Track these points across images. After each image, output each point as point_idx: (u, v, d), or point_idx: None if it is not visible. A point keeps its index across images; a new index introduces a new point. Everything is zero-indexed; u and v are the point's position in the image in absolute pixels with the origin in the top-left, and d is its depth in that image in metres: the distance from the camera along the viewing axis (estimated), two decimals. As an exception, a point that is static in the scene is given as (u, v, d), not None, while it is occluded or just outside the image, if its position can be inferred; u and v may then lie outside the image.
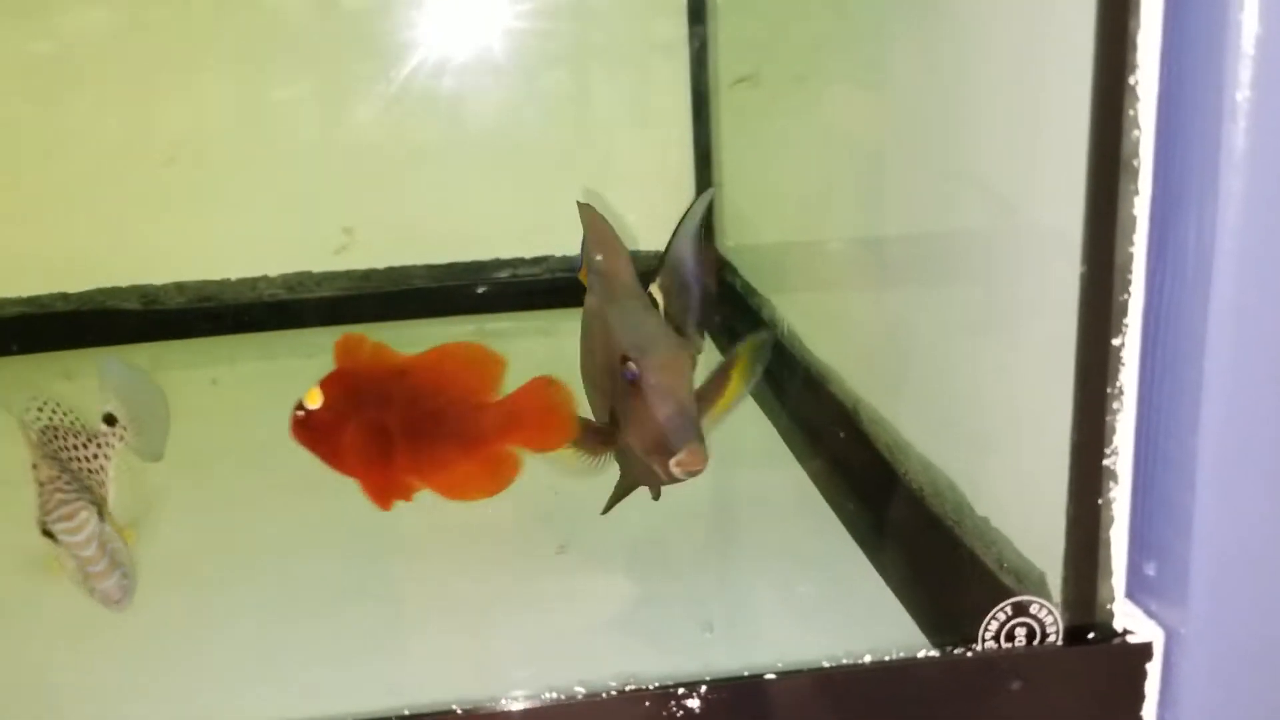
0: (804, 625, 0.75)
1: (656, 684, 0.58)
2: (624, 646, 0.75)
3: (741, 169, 1.41)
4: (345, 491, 0.79)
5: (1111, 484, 0.60)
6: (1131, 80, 0.55)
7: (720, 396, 0.85)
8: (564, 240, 1.50)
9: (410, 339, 1.42)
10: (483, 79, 1.43)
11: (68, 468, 0.71)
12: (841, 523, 0.89)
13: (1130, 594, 0.64)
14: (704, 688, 0.58)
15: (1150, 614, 0.62)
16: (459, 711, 0.57)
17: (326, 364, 0.80)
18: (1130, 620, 0.62)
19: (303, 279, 1.48)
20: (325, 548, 0.90)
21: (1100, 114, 0.56)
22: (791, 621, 0.76)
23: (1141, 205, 0.56)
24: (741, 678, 0.58)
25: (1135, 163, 0.56)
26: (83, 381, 1.32)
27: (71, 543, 0.66)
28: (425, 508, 0.94)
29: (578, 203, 0.91)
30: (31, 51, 1.37)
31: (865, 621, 0.76)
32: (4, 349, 1.41)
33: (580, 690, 0.58)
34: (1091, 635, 0.61)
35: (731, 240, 1.47)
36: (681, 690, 0.58)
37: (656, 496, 0.88)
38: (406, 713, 0.57)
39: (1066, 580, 0.62)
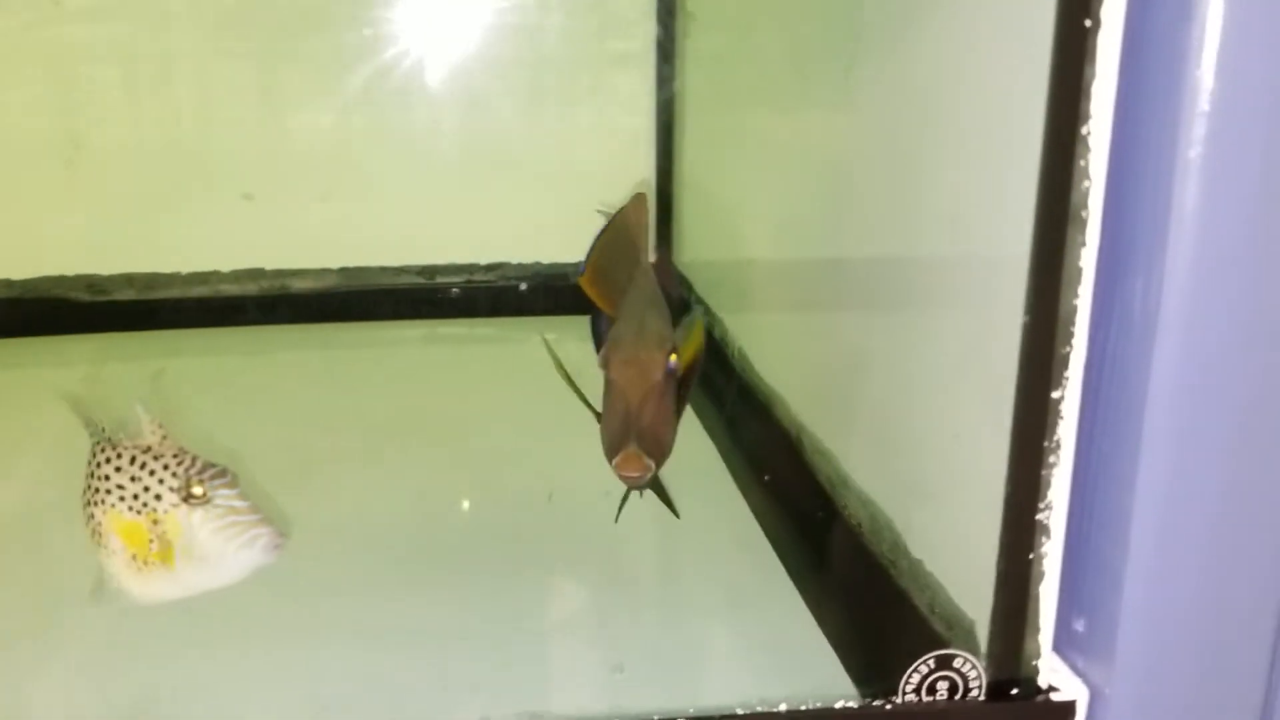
0: (727, 667, 0.74)
1: (567, 723, 0.56)
2: (530, 682, 0.72)
3: (701, 183, 1.40)
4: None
5: (1044, 539, 0.59)
6: (1084, 130, 0.53)
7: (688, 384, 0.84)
8: (519, 248, 1.48)
9: (360, 340, 1.43)
10: (445, 83, 1.41)
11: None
12: (778, 557, 0.88)
13: (1058, 649, 0.63)
14: (614, 728, 0.56)
15: (1077, 671, 0.61)
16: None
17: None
18: (1055, 677, 0.61)
19: (254, 274, 1.46)
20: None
21: (1050, 162, 0.55)
22: (714, 663, 0.74)
23: (1088, 257, 0.55)
24: (650, 721, 0.56)
25: (1084, 214, 0.55)
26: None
27: (229, 496, 0.69)
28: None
29: (634, 194, 0.93)
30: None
31: (792, 665, 0.74)
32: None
33: (487, 726, 0.56)
34: (1015, 691, 0.60)
35: (688, 255, 1.45)
36: (593, 730, 0.56)
37: (616, 518, 0.87)
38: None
39: (993, 635, 0.61)
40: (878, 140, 0.83)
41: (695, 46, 1.40)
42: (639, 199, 0.93)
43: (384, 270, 1.47)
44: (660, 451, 0.77)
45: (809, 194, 0.98)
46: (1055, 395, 0.57)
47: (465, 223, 1.47)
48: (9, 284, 1.41)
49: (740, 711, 0.58)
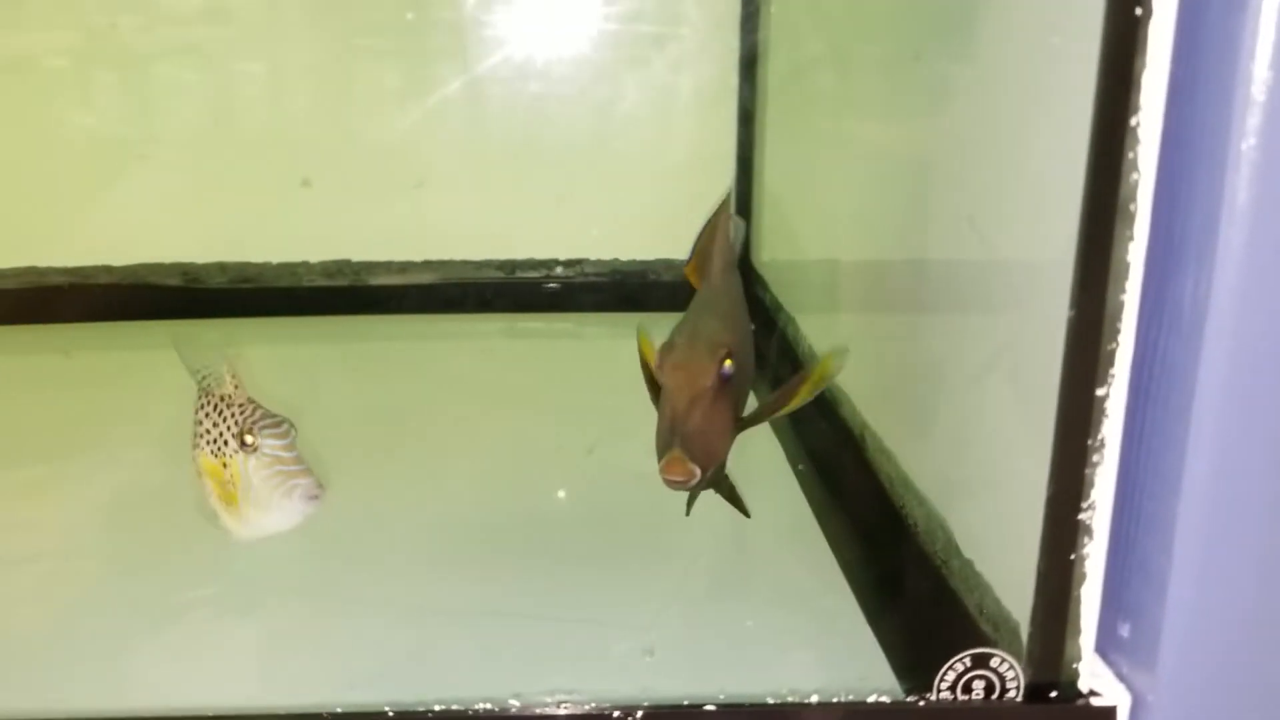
0: (769, 660, 0.73)
1: (593, 704, 0.57)
2: (566, 661, 0.72)
3: (780, 183, 1.39)
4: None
5: (1086, 539, 0.57)
6: (1134, 122, 0.52)
7: (783, 405, 0.84)
8: (598, 246, 1.49)
9: (439, 332, 1.45)
10: (531, 81, 1.42)
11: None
12: (832, 553, 0.87)
13: (1103, 654, 0.61)
14: (640, 713, 0.56)
15: (1121, 676, 0.60)
16: (390, 714, 0.56)
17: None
18: (1097, 681, 0.59)
19: (341, 267, 1.49)
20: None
21: (1098, 155, 0.53)
22: (756, 654, 0.74)
23: (1136, 252, 0.54)
24: (679, 706, 0.56)
25: (1132, 207, 0.53)
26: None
27: (276, 446, 0.76)
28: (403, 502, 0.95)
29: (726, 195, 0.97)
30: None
31: (837, 661, 0.73)
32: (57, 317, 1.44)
33: (514, 703, 0.57)
34: (1054, 695, 0.59)
35: (766, 255, 1.45)
36: (617, 713, 0.56)
37: (687, 511, 0.88)
38: (339, 710, 0.56)
39: (1032, 635, 0.59)
40: (936, 135, 0.82)
41: (776, 45, 1.40)
42: (723, 206, 0.94)
43: (466, 264, 1.49)
44: (709, 458, 0.76)
45: (870, 192, 0.98)
46: (1100, 393, 0.55)
47: (546, 219, 1.48)
48: (109, 269, 1.46)
49: (771, 701, 0.58)
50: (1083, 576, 0.58)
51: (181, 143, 1.44)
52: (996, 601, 0.68)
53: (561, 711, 0.56)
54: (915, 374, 0.88)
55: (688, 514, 0.87)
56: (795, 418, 1.11)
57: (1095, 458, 0.56)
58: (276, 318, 1.48)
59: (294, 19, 1.42)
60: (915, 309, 0.87)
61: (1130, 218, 0.54)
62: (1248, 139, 0.51)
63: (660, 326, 0.85)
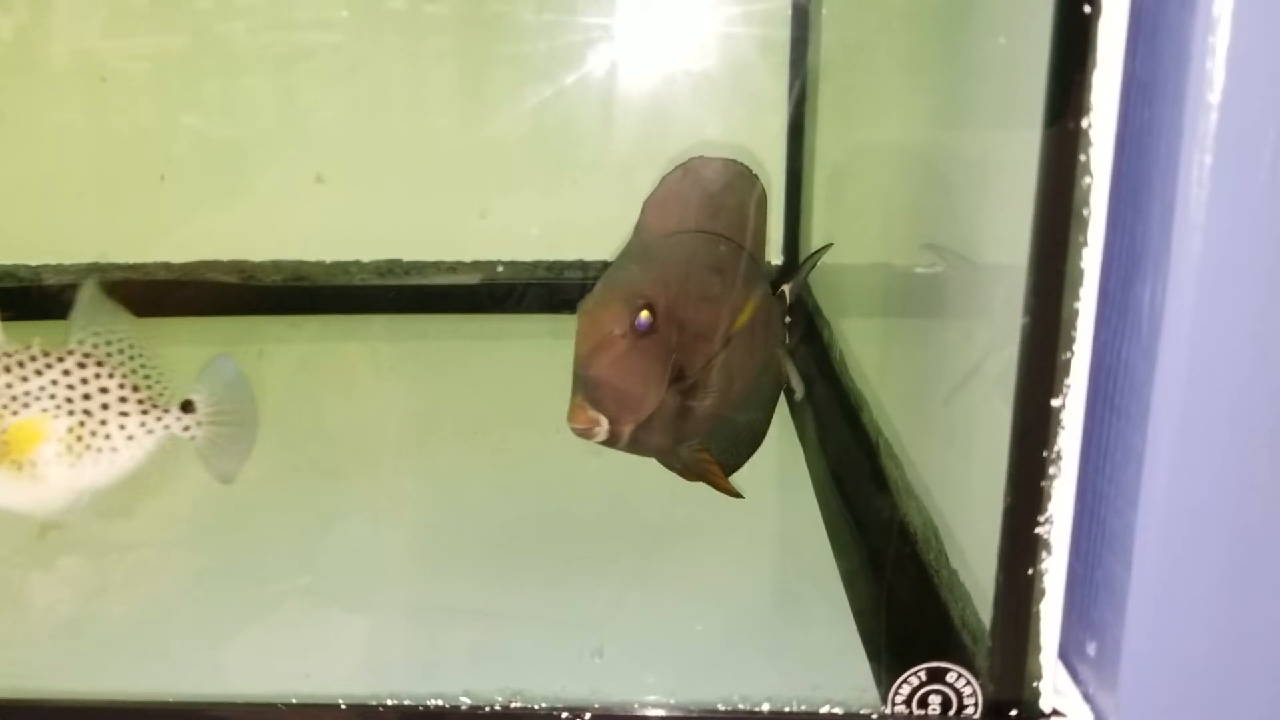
0: (749, 663, 0.72)
1: (543, 704, 0.57)
2: (521, 660, 0.72)
3: (827, 189, 1.38)
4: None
5: (1044, 554, 0.56)
6: (1085, 123, 0.51)
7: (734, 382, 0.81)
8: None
9: (486, 332, 1.46)
10: (583, 86, 1.43)
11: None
12: (834, 558, 0.86)
13: (1072, 672, 0.60)
14: (588, 714, 0.56)
15: (1086, 696, 0.58)
16: (342, 706, 0.57)
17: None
18: (1061, 700, 0.58)
19: (393, 266, 1.52)
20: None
21: (1049, 157, 0.52)
22: (736, 656, 0.73)
23: (1091, 258, 0.52)
24: (628, 709, 0.56)
25: (1085, 212, 0.52)
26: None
27: None
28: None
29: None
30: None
31: (820, 667, 0.72)
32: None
33: (465, 700, 0.57)
34: (1014, 713, 0.58)
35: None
36: (566, 714, 0.56)
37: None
38: (293, 700, 0.57)
39: (991, 651, 0.58)
40: (959, 142, 0.81)
41: (827, 47, 1.38)
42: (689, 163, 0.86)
43: (513, 265, 1.50)
44: (622, 409, 0.73)
45: (898, 198, 0.96)
46: (1056, 403, 0.54)
47: (589, 220, 1.48)
48: (168, 266, 1.51)
49: (721, 708, 0.57)
50: (1042, 592, 0.56)
51: (241, 142, 1.47)
52: (975, 614, 0.67)
53: (514, 705, 0.56)
54: (920, 379, 0.87)
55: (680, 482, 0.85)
56: (822, 422, 1.10)
57: (1052, 470, 0.55)
58: (330, 315, 1.51)
59: (356, 19, 1.45)
60: (923, 314, 0.86)
61: (1084, 223, 0.52)
62: (1201, 142, 0.49)
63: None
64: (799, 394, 1.00)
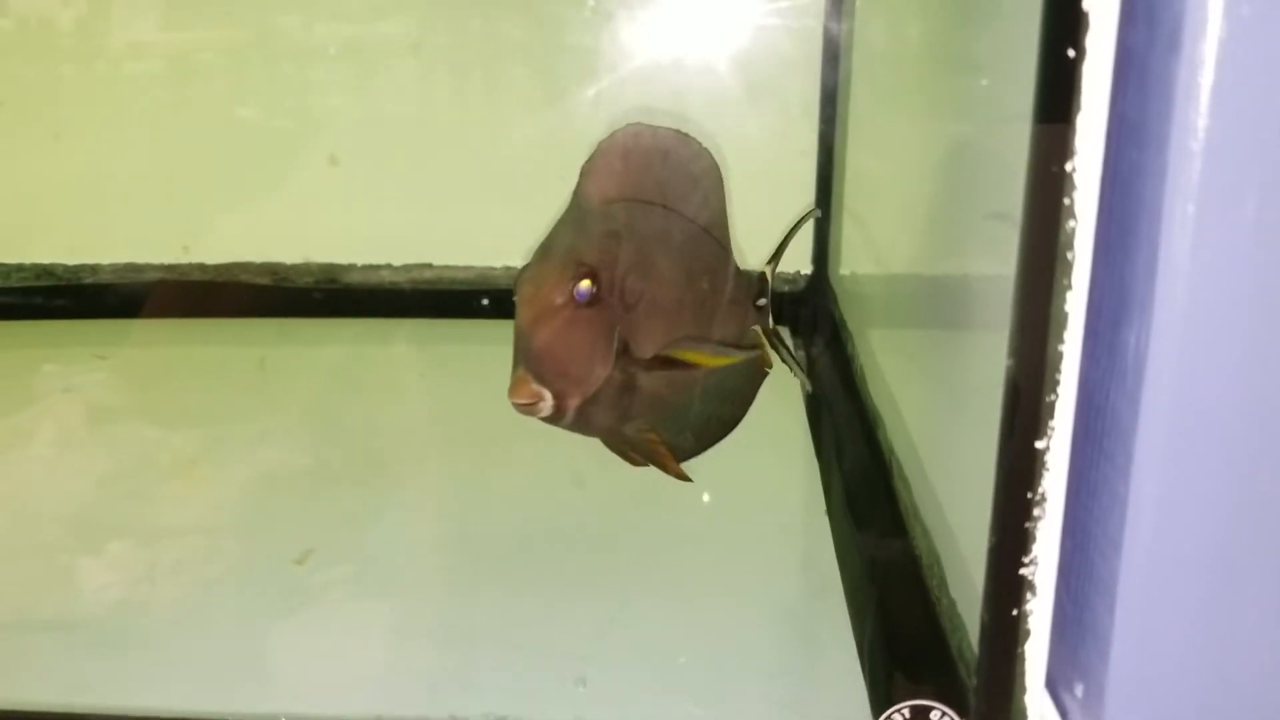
0: (742, 687, 0.72)
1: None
2: (508, 681, 0.72)
3: (853, 197, 1.37)
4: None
5: (1029, 595, 0.55)
6: (1069, 166, 0.50)
7: (698, 359, 0.78)
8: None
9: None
10: (617, 92, 1.43)
11: None
12: (841, 581, 0.86)
13: (1062, 712, 0.59)
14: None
15: (1073, 738, 0.58)
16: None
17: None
18: (1045, 742, 0.57)
19: (421, 269, 1.53)
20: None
21: (1033, 199, 0.52)
22: (731, 680, 0.73)
23: (1075, 301, 0.52)
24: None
25: (1070, 255, 0.51)
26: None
27: None
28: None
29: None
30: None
31: (813, 694, 0.72)
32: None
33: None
34: (998, 753, 0.57)
35: (844, 269, 1.42)
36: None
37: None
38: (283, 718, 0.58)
39: (976, 691, 0.58)
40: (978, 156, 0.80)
41: (859, 54, 1.37)
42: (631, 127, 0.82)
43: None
44: (567, 382, 0.71)
45: (920, 209, 0.95)
46: (1039, 445, 0.53)
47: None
48: (203, 268, 1.53)
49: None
50: (1027, 633, 0.56)
51: (277, 146, 1.49)
52: (971, 648, 0.67)
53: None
54: (933, 397, 0.86)
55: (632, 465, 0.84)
56: (839, 437, 1.10)
57: (1036, 511, 0.54)
58: (361, 318, 1.52)
59: (390, 29, 1.46)
60: (940, 329, 0.85)
61: (1068, 266, 0.51)
62: (1184, 190, 0.48)
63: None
64: (806, 387, 0.98)
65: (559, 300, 0.72)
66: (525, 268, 0.74)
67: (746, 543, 0.90)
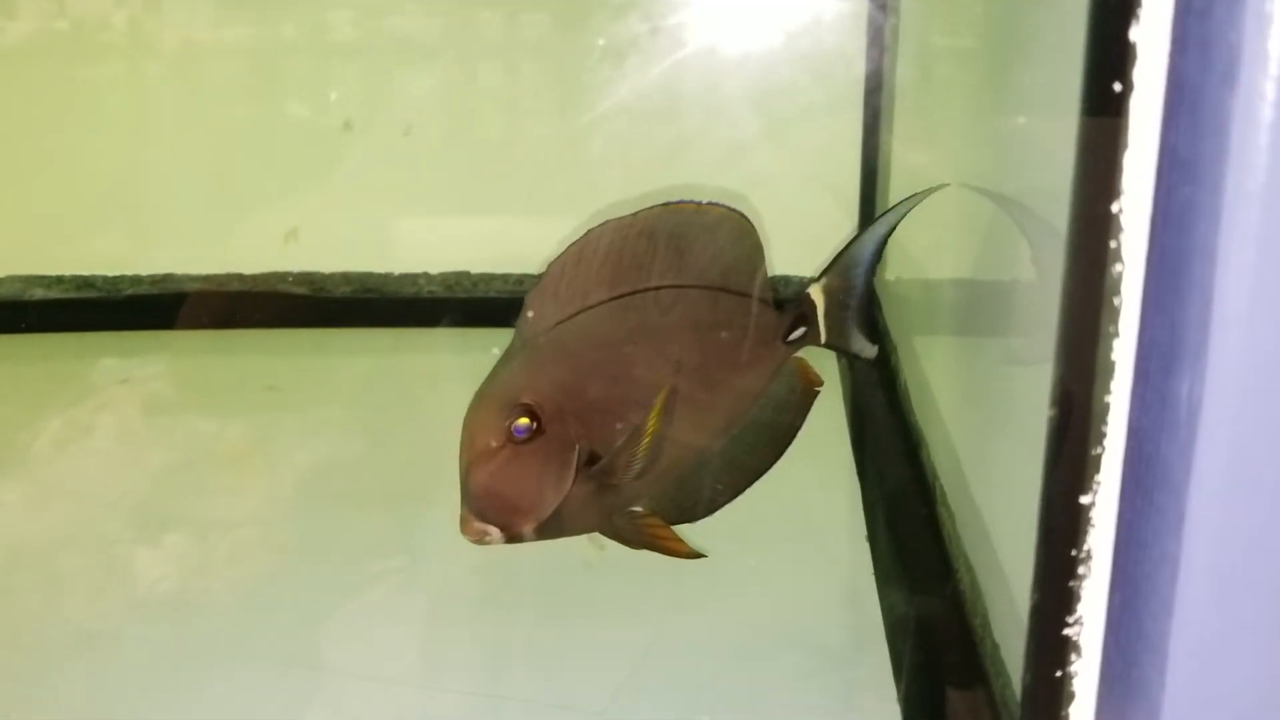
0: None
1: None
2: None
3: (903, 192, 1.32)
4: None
5: (1073, 656, 0.52)
6: (1115, 208, 0.47)
7: (633, 443, 0.76)
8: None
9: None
10: (653, 91, 1.40)
11: None
12: (881, 615, 0.83)
13: (1110, 779, 0.56)
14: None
15: (1122, 804, 0.55)
16: None
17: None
18: (1093, 809, 0.54)
19: (460, 279, 1.51)
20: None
21: (1078, 242, 0.48)
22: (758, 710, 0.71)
23: (1123, 349, 0.49)
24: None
25: (1116, 301, 0.48)
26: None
27: None
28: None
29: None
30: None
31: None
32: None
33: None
34: (1042, 820, 0.54)
35: (890, 274, 1.38)
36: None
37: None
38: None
39: (1018, 756, 0.55)
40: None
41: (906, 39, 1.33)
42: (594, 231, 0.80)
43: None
44: (513, 516, 0.72)
45: (976, 209, 0.91)
46: (1085, 500, 0.50)
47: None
48: (241, 278, 1.52)
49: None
50: (1071, 695, 0.53)
51: (312, 154, 1.48)
52: (1014, 698, 0.64)
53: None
54: (980, 421, 0.83)
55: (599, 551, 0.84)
56: (881, 457, 1.06)
57: (1081, 570, 0.51)
58: (398, 328, 1.51)
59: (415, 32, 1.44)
60: (995, 341, 0.81)
61: (1115, 312, 0.48)
62: (1241, 232, 0.45)
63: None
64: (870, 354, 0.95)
65: (494, 442, 0.73)
66: (469, 407, 0.75)
67: (784, 568, 0.88)
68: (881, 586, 0.85)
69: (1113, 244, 0.47)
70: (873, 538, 0.93)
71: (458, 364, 1.43)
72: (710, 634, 0.81)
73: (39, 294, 1.51)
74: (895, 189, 1.35)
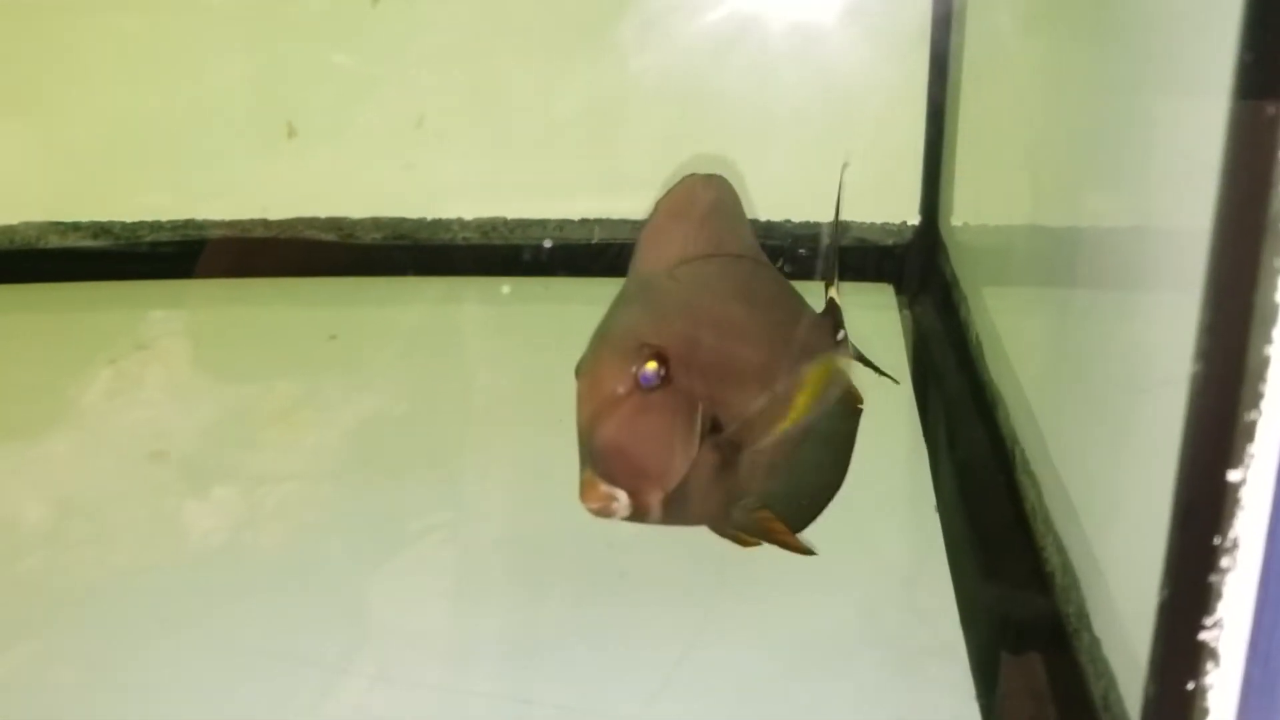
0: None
1: None
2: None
3: (978, 137, 1.21)
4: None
5: (1209, 664, 0.43)
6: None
7: (780, 420, 0.69)
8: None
9: (583, 295, 1.35)
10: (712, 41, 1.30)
11: None
12: (955, 598, 0.73)
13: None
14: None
15: (1262, 840, 0.45)
16: None
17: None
18: (1227, 845, 0.45)
19: (496, 224, 1.42)
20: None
21: (1236, 146, 0.39)
22: (822, 706, 0.62)
23: (1292, 287, 0.39)
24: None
25: (1285, 226, 0.38)
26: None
27: None
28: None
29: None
30: None
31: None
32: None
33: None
34: None
35: (958, 219, 1.27)
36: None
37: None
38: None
39: (1137, 779, 0.46)
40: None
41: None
42: (691, 178, 0.75)
43: (623, 223, 1.39)
44: (643, 479, 0.63)
45: (1062, 139, 0.80)
46: (1234, 477, 0.41)
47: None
48: (266, 224, 1.44)
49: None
50: (1204, 711, 0.44)
51: (337, 100, 1.40)
52: (1120, 700, 0.54)
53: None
54: (1080, 377, 0.72)
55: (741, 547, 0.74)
56: (951, 420, 0.97)
57: (1225, 561, 0.42)
58: (430, 276, 1.42)
59: None
60: (1099, 288, 0.70)
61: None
62: None
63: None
64: (897, 381, 0.88)
65: (621, 389, 0.63)
66: (583, 356, 0.66)
67: (843, 548, 0.78)
68: (955, 568, 0.75)
69: (1282, 156, 0.37)
70: (942, 508, 0.83)
71: (487, 315, 1.35)
72: (762, 620, 0.72)
73: (54, 241, 1.44)
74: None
